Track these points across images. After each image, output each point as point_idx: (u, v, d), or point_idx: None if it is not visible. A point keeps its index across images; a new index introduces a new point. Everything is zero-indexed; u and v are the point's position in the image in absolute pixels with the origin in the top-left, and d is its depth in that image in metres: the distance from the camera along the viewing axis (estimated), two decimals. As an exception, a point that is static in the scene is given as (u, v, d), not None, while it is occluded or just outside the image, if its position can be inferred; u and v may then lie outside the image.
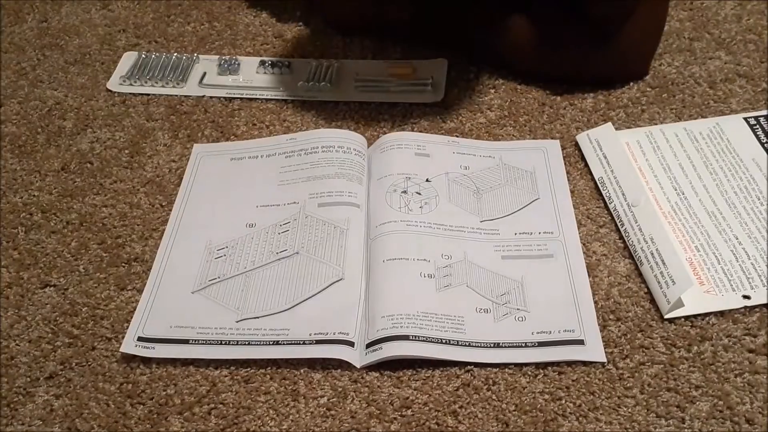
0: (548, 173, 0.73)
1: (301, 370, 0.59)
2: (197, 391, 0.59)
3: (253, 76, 0.84)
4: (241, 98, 0.82)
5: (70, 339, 0.63)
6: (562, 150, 0.75)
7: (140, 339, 0.61)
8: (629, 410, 0.56)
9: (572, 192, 0.71)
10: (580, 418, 0.56)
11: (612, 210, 0.69)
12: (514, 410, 0.57)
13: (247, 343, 0.61)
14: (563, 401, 0.57)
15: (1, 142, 0.79)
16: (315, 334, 0.61)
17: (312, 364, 0.60)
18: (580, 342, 0.60)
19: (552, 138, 0.76)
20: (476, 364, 0.59)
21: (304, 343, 0.60)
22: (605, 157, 0.72)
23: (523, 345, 0.60)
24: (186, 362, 0.60)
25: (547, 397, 0.57)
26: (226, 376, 0.59)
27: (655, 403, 0.56)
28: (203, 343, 0.61)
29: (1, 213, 0.72)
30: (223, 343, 0.61)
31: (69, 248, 0.69)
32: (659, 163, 0.73)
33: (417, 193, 0.71)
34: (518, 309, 0.62)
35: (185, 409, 0.58)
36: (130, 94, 0.84)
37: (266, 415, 0.57)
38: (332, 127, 0.78)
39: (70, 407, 0.58)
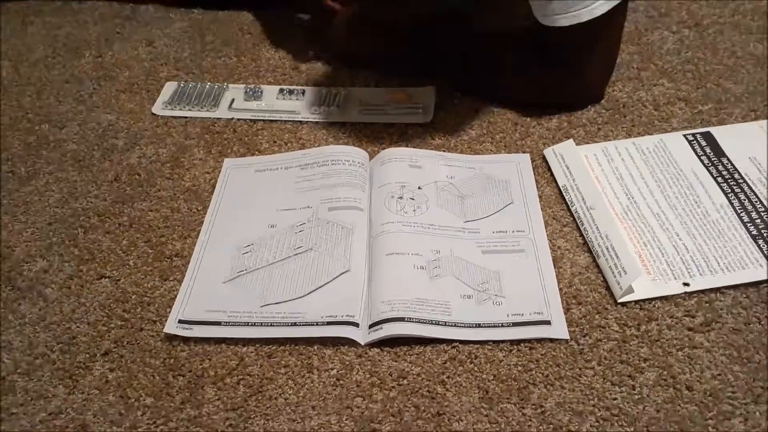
0: (520, 182, 0.73)
1: (315, 347, 0.60)
2: (228, 365, 0.59)
3: (273, 102, 0.84)
4: (263, 120, 0.82)
5: (121, 322, 0.63)
6: (532, 162, 0.75)
7: (180, 321, 0.61)
8: (588, 379, 0.56)
9: (540, 197, 0.71)
10: (548, 386, 0.56)
11: (573, 212, 0.69)
12: (493, 379, 0.57)
13: (269, 324, 0.61)
14: (533, 372, 0.57)
15: (64, 158, 0.79)
16: (326, 316, 0.61)
17: (324, 341, 0.60)
18: (548, 323, 0.60)
19: (523, 152, 0.76)
20: (461, 342, 0.59)
21: (317, 324, 0.60)
22: (568, 168, 0.73)
23: (500, 325, 0.60)
24: (219, 341, 0.60)
25: (520, 368, 0.57)
26: (252, 353, 0.60)
27: (610, 373, 0.57)
28: (233, 325, 0.61)
29: (64, 217, 0.73)
30: (250, 324, 0.61)
31: (121, 246, 0.69)
32: (613, 173, 0.73)
33: (411, 198, 0.71)
34: (496, 295, 0.62)
35: (218, 379, 0.58)
36: (171, 117, 0.84)
37: (286, 385, 0.57)
38: (340, 144, 0.78)
39: (122, 379, 0.58)
